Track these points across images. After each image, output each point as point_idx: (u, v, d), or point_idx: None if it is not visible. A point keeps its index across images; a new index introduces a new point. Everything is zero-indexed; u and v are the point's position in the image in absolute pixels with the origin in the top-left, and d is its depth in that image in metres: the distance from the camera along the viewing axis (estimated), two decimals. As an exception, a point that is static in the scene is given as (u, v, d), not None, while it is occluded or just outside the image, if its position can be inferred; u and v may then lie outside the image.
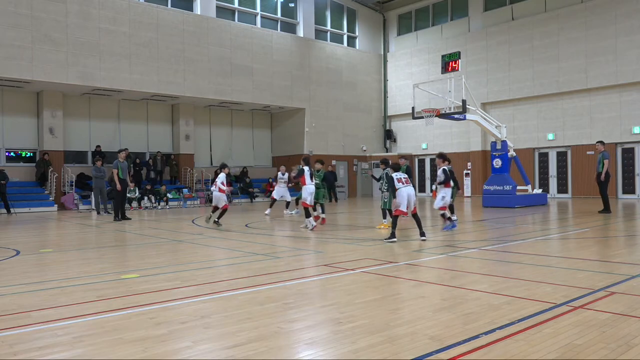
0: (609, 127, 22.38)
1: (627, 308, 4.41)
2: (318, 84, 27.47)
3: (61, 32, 19.29)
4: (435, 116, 17.51)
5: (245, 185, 25.17)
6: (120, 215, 14.76)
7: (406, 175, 9.31)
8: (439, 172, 11.14)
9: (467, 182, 26.15)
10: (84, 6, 19.86)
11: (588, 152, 22.19)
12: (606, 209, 14.56)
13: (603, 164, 14.47)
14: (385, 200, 11.55)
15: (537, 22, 24.40)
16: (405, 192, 9.01)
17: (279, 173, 16.59)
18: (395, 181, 9.12)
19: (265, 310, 4.56)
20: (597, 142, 15.25)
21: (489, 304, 4.60)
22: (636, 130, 21.60)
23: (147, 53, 21.40)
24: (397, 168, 9.71)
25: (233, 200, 23.99)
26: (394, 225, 9.13)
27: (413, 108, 18.72)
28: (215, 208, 12.30)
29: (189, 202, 22.55)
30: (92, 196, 18.80)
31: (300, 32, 27.15)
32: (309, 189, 11.50)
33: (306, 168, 11.66)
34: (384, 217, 11.70)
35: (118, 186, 14.37)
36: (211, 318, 4.32)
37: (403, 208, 8.99)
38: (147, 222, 15.02)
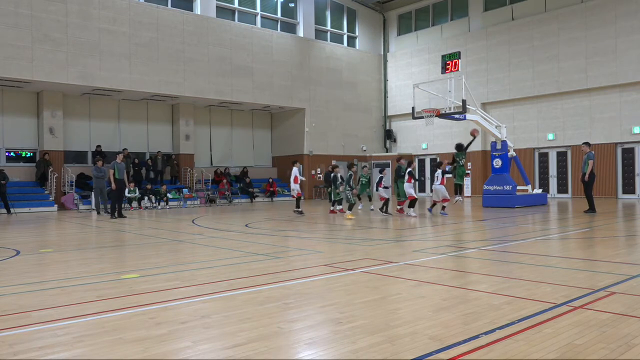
0: (609, 127, 22.37)
1: (627, 308, 4.41)
2: (318, 84, 27.47)
3: (61, 32, 19.29)
4: (435, 116, 17.48)
5: (246, 185, 25.17)
6: (117, 213, 15.77)
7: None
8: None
9: (467, 182, 26.12)
10: (84, 6, 19.86)
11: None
12: (591, 209, 14.79)
13: (588, 165, 14.69)
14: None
15: (537, 22, 24.39)
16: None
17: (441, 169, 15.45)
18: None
19: (265, 310, 4.56)
20: (583, 143, 15.62)
21: (489, 304, 4.60)
22: (636, 130, 21.60)
23: (147, 53, 21.40)
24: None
25: (233, 200, 24.02)
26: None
27: (413, 108, 18.70)
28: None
29: (189, 202, 22.54)
30: (92, 196, 18.83)
31: (300, 32, 27.14)
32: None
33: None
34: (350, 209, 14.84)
35: (113, 186, 15.56)
36: (211, 318, 4.32)
37: None
38: (147, 222, 15.03)
